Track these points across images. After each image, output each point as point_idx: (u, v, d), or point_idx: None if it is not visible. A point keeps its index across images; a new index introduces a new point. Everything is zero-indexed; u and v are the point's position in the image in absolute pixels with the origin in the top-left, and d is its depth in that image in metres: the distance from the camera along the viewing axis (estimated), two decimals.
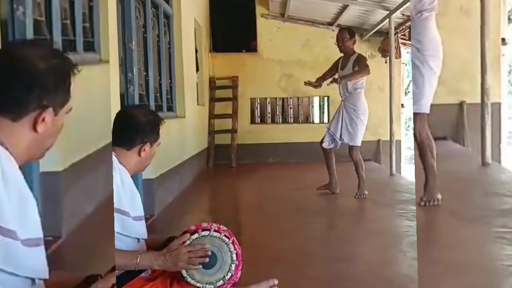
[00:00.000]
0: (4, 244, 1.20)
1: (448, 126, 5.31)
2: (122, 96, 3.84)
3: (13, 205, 1.23)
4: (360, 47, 8.57)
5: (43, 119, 1.29)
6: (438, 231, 3.15)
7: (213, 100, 8.36)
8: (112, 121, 2.13)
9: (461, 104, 5.34)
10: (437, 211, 3.35)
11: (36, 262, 1.29)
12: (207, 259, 1.91)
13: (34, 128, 1.29)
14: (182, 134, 5.99)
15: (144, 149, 2.04)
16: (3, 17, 1.94)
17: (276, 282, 2.56)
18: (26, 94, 1.27)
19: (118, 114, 2.19)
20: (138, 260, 1.87)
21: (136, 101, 4.12)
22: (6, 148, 1.26)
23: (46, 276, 1.32)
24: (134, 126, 2.05)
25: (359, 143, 5.36)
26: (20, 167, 1.30)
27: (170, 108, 5.69)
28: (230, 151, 8.04)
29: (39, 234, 1.30)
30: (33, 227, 1.29)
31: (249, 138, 8.32)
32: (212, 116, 8.28)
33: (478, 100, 4.52)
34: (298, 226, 4.39)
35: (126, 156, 2.01)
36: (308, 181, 6.31)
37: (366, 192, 5.22)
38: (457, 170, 4.35)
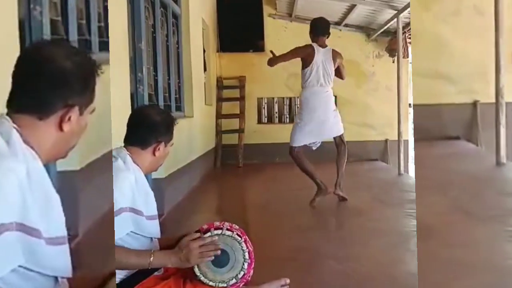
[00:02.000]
0: (28, 243, 1.22)
1: (461, 126, 5.28)
2: (132, 96, 3.85)
3: (38, 204, 1.24)
4: (367, 47, 8.59)
5: (69, 118, 1.30)
6: (451, 230, 3.14)
7: (220, 100, 8.38)
8: (127, 121, 2.16)
9: (474, 104, 5.30)
10: (451, 210, 3.34)
11: (60, 260, 1.30)
12: (218, 252, 1.92)
13: (60, 127, 1.30)
14: (190, 134, 6.01)
15: (159, 149, 2.05)
16: (20, 17, 1.97)
17: (287, 281, 2.57)
18: (54, 93, 1.28)
19: (132, 114, 2.21)
20: (151, 259, 1.88)
21: (146, 101, 4.14)
22: (32, 147, 1.27)
23: (70, 275, 1.33)
24: (149, 125, 2.07)
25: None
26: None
27: (179, 108, 5.71)
28: (237, 151, 8.05)
29: (63, 232, 1.31)
30: (57, 225, 1.30)
31: (256, 138, 8.34)
32: (219, 116, 8.29)
33: (492, 100, 4.50)
34: (305, 226, 4.39)
35: (140, 156, 2.02)
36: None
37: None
38: (471, 169, 4.33)
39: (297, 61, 5.63)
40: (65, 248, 1.31)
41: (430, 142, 4.73)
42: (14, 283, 1.20)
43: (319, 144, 5.27)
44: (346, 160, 5.18)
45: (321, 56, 5.03)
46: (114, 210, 1.86)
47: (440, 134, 5.03)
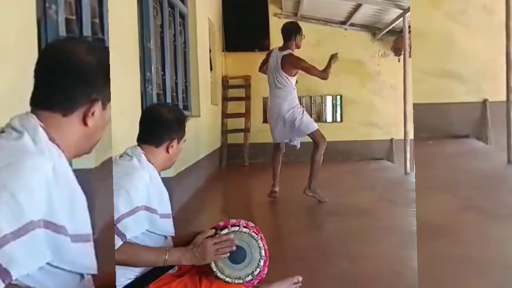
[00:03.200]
0: (55, 240, 1.22)
1: (470, 125, 5.28)
2: (141, 96, 3.87)
3: (64, 202, 1.25)
4: (372, 46, 8.59)
5: (93, 113, 1.30)
6: (463, 228, 3.15)
7: (226, 99, 8.39)
8: (139, 119, 2.17)
9: (484, 102, 5.30)
10: (462, 209, 3.35)
11: (85, 257, 1.30)
12: (234, 248, 1.93)
13: (84, 122, 1.30)
14: (197, 134, 6.03)
15: (172, 146, 2.05)
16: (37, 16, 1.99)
17: (300, 278, 2.58)
18: (77, 89, 1.29)
19: (144, 112, 2.22)
20: (166, 257, 1.88)
21: (155, 101, 4.16)
22: (57, 144, 1.27)
23: (95, 271, 1.34)
24: (162, 123, 2.07)
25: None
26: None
27: (186, 108, 5.72)
28: (243, 151, 8.06)
29: (88, 230, 1.32)
30: (83, 223, 1.31)
31: (262, 137, 8.32)
32: (225, 115, 8.31)
33: (501, 98, 4.51)
34: (312, 225, 4.41)
35: (154, 153, 2.03)
36: (319, 180, 6.32)
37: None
38: (481, 168, 4.34)
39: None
40: (90, 245, 1.32)
41: (439, 140, 4.73)
42: (41, 280, 1.20)
43: (297, 143, 5.41)
44: (321, 159, 5.22)
45: (273, 59, 5.24)
46: (130, 209, 1.87)
47: (449, 133, 5.03)
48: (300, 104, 8.64)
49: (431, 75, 4.90)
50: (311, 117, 8.65)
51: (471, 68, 5.02)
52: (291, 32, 5.24)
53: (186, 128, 2.14)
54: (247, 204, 5.68)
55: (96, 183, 1.94)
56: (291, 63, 5.16)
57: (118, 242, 1.81)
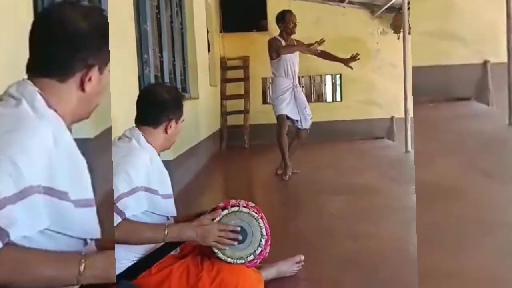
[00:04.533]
0: (57, 206, 1.22)
1: (471, 87, 5.20)
2: (138, 78, 3.83)
3: (65, 167, 1.24)
4: (371, 24, 8.51)
5: (90, 79, 1.30)
6: (469, 190, 3.12)
7: (224, 81, 8.33)
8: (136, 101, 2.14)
9: (485, 64, 5.20)
10: (467, 170, 3.32)
11: (88, 223, 1.30)
12: (235, 243, 1.92)
13: (82, 87, 1.30)
14: (196, 116, 5.99)
15: (171, 126, 2.04)
16: None
17: (302, 258, 2.60)
18: (72, 55, 1.28)
19: (141, 93, 2.19)
20: (166, 232, 1.87)
21: (152, 82, 4.12)
22: (55, 110, 1.27)
23: (98, 236, 1.34)
24: (159, 103, 2.06)
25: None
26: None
27: (184, 90, 5.68)
28: (243, 132, 8.03)
29: (90, 195, 1.32)
30: (85, 188, 1.31)
31: (262, 119, 8.29)
32: (224, 97, 8.26)
33: (502, 60, 4.42)
34: (314, 204, 4.40)
35: (153, 134, 2.02)
36: (320, 160, 6.31)
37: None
38: (483, 130, 4.28)
39: (301, 40, 5.63)
40: (93, 210, 1.32)
41: (440, 103, 4.68)
42: (44, 245, 1.21)
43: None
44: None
45: None
46: (129, 189, 1.85)
47: (451, 95, 4.97)
48: (300, 84, 8.68)
49: (430, 36, 4.81)
50: (311, 96, 8.66)
51: (472, 29, 4.93)
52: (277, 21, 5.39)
53: (183, 107, 2.12)
54: (248, 186, 5.68)
55: (96, 152, 1.93)
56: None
57: (117, 219, 1.80)
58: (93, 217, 1.32)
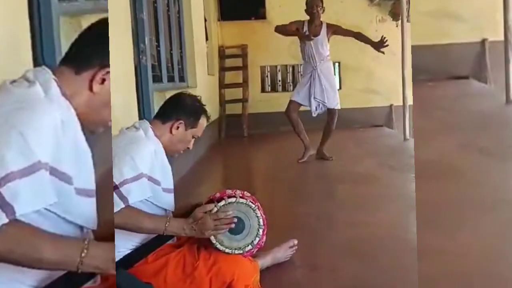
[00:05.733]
0: (59, 187, 1.24)
1: (469, 65, 5.16)
2: (135, 67, 3.81)
3: (69, 154, 1.27)
4: (370, 11, 8.46)
5: (103, 81, 1.34)
6: (466, 169, 3.12)
7: (223, 69, 8.30)
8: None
9: (483, 42, 5.15)
10: (464, 148, 3.32)
11: (87, 212, 1.33)
12: (233, 225, 1.93)
13: (90, 86, 1.34)
14: None
15: (178, 127, 2.04)
16: None
17: (295, 242, 2.61)
18: (92, 49, 1.34)
19: (171, 95, 2.25)
20: (166, 226, 1.90)
21: (149, 72, 4.10)
22: (68, 100, 1.31)
23: (95, 227, 1.36)
24: (176, 102, 2.12)
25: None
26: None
27: (182, 79, 5.66)
28: (241, 121, 8.02)
29: (92, 186, 1.34)
30: (87, 178, 1.33)
31: (261, 107, 8.29)
32: (222, 86, 8.24)
33: (500, 38, 4.38)
34: (313, 193, 4.40)
35: (160, 129, 2.04)
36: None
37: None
38: (481, 108, 4.26)
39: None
40: (93, 201, 1.34)
41: (439, 82, 4.66)
42: (42, 226, 1.21)
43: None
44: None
45: None
46: (134, 175, 1.86)
47: (449, 74, 4.94)
48: (298, 71, 8.66)
49: (430, 16, 4.77)
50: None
51: (470, 7, 4.89)
52: None
53: (199, 122, 2.12)
54: (247, 174, 5.68)
55: (97, 137, 1.96)
56: None
57: (120, 206, 1.80)
58: (92, 207, 1.34)
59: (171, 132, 2.05)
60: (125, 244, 1.90)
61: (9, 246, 1.11)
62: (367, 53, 8.38)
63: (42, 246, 1.16)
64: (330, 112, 5.42)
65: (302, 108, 5.56)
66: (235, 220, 1.94)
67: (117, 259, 1.83)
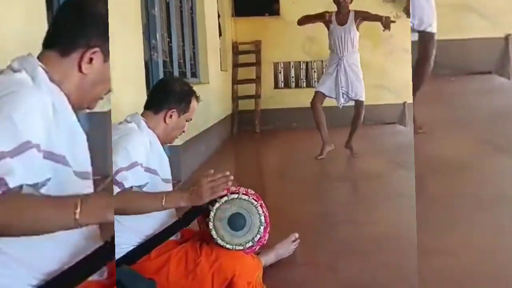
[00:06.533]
0: (57, 170, 1.25)
1: (492, 60, 5.10)
2: (146, 63, 3.84)
3: (63, 138, 1.26)
4: (384, 8, 8.38)
5: (90, 60, 1.32)
6: (480, 165, 3.10)
7: (236, 65, 8.31)
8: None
9: (506, 38, 5.07)
10: (479, 145, 3.29)
11: (85, 192, 1.31)
12: (229, 184, 1.92)
13: (80, 66, 1.32)
14: (206, 101, 5.99)
15: (171, 116, 2.04)
16: None
17: (296, 235, 2.62)
18: (76, 30, 1.31)
19: (157, 82, 2.24)
20: (163, 201, 1.88)
21: (161, 68, 4.13)
22: (58, 85, 1.30)
23: None
24: (165, 90, 2.09)
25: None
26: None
27: (194, 75, 5.69)
28: (254, 117, 8.03)
29: (88, 168, 1.34)
30: (82, 161, 1.33)
31: (273, 103, 8.28)
32: (235, 81, 8.25)
33: None
34: (322, 190, 4.40)
35: (153, 120, 2.03)
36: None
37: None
38: (504, 104, 4.19)
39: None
40: (90, 183, 1.34)
41: (461, 77, 4.59)
42: None
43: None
44: None
45: None
46: (128, 164, 1.87)
47: (471, 70, 4.88)
48: (311, 68, 8.63)
49: (451, 10, 4.71)
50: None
51: (493, 2, 4.82)
52: None
53: (191, 105, 2.10)
54: (258, 170, 5.70)
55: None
56: None
57: (116, 190, 1.83)
58: (90, 189, 1.35)
59: (165, 121, 2.04)
60: (128, 240, 1.92)
61: (4, 214, 1.12)
62: (380, 49, 8.37)
63: (36, 208, 1.16)
64: (356, 104, 5.37)
65: (324, 104, 5.47)
66: (230, 184, 1.92)
67: (120, 255, 1.86)
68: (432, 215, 2.49)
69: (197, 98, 2.15)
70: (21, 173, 1.16)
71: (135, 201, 1.87)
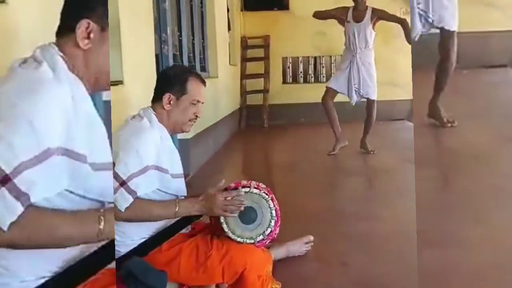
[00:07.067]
0: (76, 168, 1.25)
1: (508, 54, 5.05)
2: (157, 57, 3.85)
3: (83, 130, 1.27)
4: (394, 4, 8.34)
5: (89, 34, 1.31)
6: (492, 156, 3.08)
7: (244, 60, 8.30)
8: None
9: None
10: (495, 137, 3.26)
11: (105, 185, 1.33)
12: (242, 208, 1.93)
13: (77, 42, 1.31)
14: (215, 95, 6.01)
15: (170, 102, 2.02)
16: None
17: (311, 238, 2.61)
18: (71, 11, 1.32)
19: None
20: (177, 209, 1.91)
21: (171, 62, 4.13)
22: (77, 75, 1.30)
23: (112, 199, 1.37)
24: (159, 79, 2.13)
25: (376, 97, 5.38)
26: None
27: (203, 68, 5.69)
28: (262, 112, 8.03)
29: (109, 159, 1.34)
30: (103, 151, 1.33)
31: (281, 98, 8.28)
32: (244, 76, 8.24)
33: None
34: (331, 186, 4.40)
35: (160, 112, 2.03)
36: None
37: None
38: None
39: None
40: (110, 174, 1.35)
41: (475, 70, 4.55)
42: (63, 207, 1.24)
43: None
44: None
45: None
46: (140, 168, 1.88)
47: (486, 62, 4.83)
48: (320, 63, 8.61)
49: (466, 3, 4.66)
50: (331, 77, 8.58)
51: None
52: None
53: (187, 85, 2.05)
54: (266, 165, 5.70)
55: None
56: None
57: (129, 200, 1.83)
58: (110, 180, 1.36)
59: (164, 108, 2.02)
60: (139, 233, 1.93)
61: (30, 232, 1.14)
62: (390, 45, 8.32)
63: (60, 225, 1.19)
64: (367, 103, 5.35)
65: (336, 99, 5.44)
66: (242, 208, 1.94)
67: (131, 247, 1.88)
68: (457, 208, 2.48)
69: (197, 75, 2.11)
70: (43, 184, 1.18)
71: (149, 210, 1.89)
